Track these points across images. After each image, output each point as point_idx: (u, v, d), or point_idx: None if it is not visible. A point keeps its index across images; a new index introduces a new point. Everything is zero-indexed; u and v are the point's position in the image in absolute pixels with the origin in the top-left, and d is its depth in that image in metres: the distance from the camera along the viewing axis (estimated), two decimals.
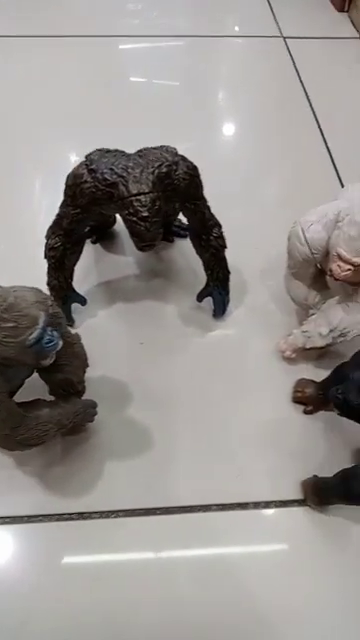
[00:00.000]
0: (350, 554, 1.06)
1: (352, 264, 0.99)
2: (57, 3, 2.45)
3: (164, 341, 1.35)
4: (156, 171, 1.03)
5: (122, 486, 1.12)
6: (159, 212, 1.02)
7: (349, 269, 1.00)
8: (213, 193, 1.20)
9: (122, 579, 1.02)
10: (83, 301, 1.35)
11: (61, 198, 1.14)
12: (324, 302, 1.22)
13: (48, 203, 1.15)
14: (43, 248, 1.22)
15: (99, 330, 1.36)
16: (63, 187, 1.13)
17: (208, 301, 1.38)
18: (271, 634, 0.97)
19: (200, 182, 1.13)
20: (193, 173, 1.09)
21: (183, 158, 1.10)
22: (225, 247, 1.27)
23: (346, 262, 0.99)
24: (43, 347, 0.83)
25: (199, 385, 1.27)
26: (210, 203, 1.21)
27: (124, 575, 1.02)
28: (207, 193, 1.19)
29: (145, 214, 1.00)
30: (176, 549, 1.05)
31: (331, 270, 1.03)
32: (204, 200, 1.18)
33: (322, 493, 1.04)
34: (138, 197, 1.00)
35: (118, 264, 1.51)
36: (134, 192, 1.00)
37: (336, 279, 1.04)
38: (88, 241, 1.53)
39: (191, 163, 1.10)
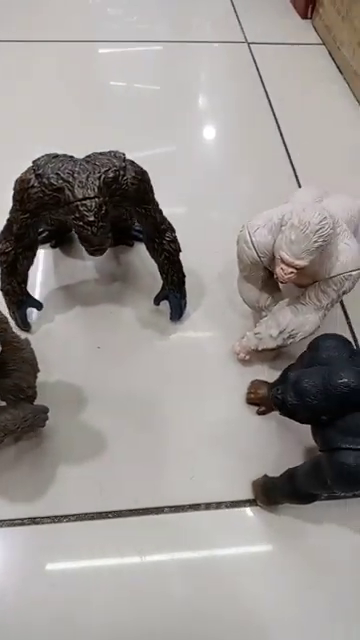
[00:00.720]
0: (300, 553, 1.07)
1: (294, 267, 1.00)
2: (37, 8, 2.45)
3: (121, 344, 1.36)
4: (102, 176, 1.04)
5: (74, 491, 1.12)
6: (106, 217, 1.03)
7: (292, 272, 1.02)
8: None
9: (74, 583, 1.02)
10: (39, 306, 1.35)
11: None
12: (275, 304, 1.24)
13: None
14: None
15: (56, 334, 1.36)
16: None
17: (166, 304, 1.39)
18: (220, 633, 0.98)
19: (150, 187, 1.14)
20: (141, 178, 1.10)
21: (132, 163, 1.10)
22: (179, 251, 1.28)
23: (289, 265, 1.01)
24: None
25: (155, 388, 1.28)
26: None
27: (75, 579, 1.02)
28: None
29: (91, 219, 1.01)
30: (129, 553, 1.05)
31: (276, 273, 1.05)
32: (155, 204, 1.19)
33: (270, 493, 1.05)
34: (84, 202, 1.00)
35: (77, 268, 1.51)
36: (79, 197, 1.00)
37: (282, 282, 1.06)
38: (47, 245, 1.53)
39: (140, 168, 1.11)
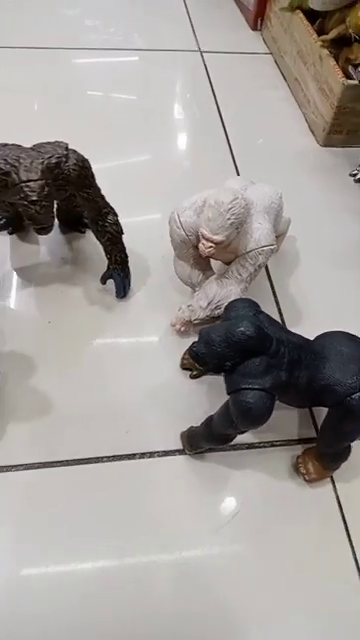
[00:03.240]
0: (222, 494, 1.22)
1: (213, 241, 1.16)
2: (12, 18, 2.53)
3: (70, 319, 1.49)
4: (46, 162, 1.18)
5: (24, 445, 1.24)
6: (48, 197, 1.17)
7: (211, 246, 1.17)
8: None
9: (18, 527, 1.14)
10: None
11: None
12: (206, 280, 1.39)
13: None
14: None
15: (10, 311, 1.49)
16: None
17: (113, 284, 1.52)
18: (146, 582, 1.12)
19: (90, 173, 1.29)
20: (82, 164, 1.24)
21: (74, 151, 1.25)
22: (121, 233, 1.42)
23: (208, 240, 1.16)
24: None
25: (99, 357, 1.42)
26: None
27: (23, 516, 1.15)
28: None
29: (34, 198, 1.14)
30: (72, 496, 1.19)
31: (199, 248, 1.20)
32: (96, 189, 1.33)
33: (192, 440, 1.20)
34: (28, 183, 1.14)
35: (31, 253, 1.64)
36: (24, 179, 1.14)
37: (204, 256, 1.22)
38: (4, 232, 1.66)
39: (81, 156, 1.25)
